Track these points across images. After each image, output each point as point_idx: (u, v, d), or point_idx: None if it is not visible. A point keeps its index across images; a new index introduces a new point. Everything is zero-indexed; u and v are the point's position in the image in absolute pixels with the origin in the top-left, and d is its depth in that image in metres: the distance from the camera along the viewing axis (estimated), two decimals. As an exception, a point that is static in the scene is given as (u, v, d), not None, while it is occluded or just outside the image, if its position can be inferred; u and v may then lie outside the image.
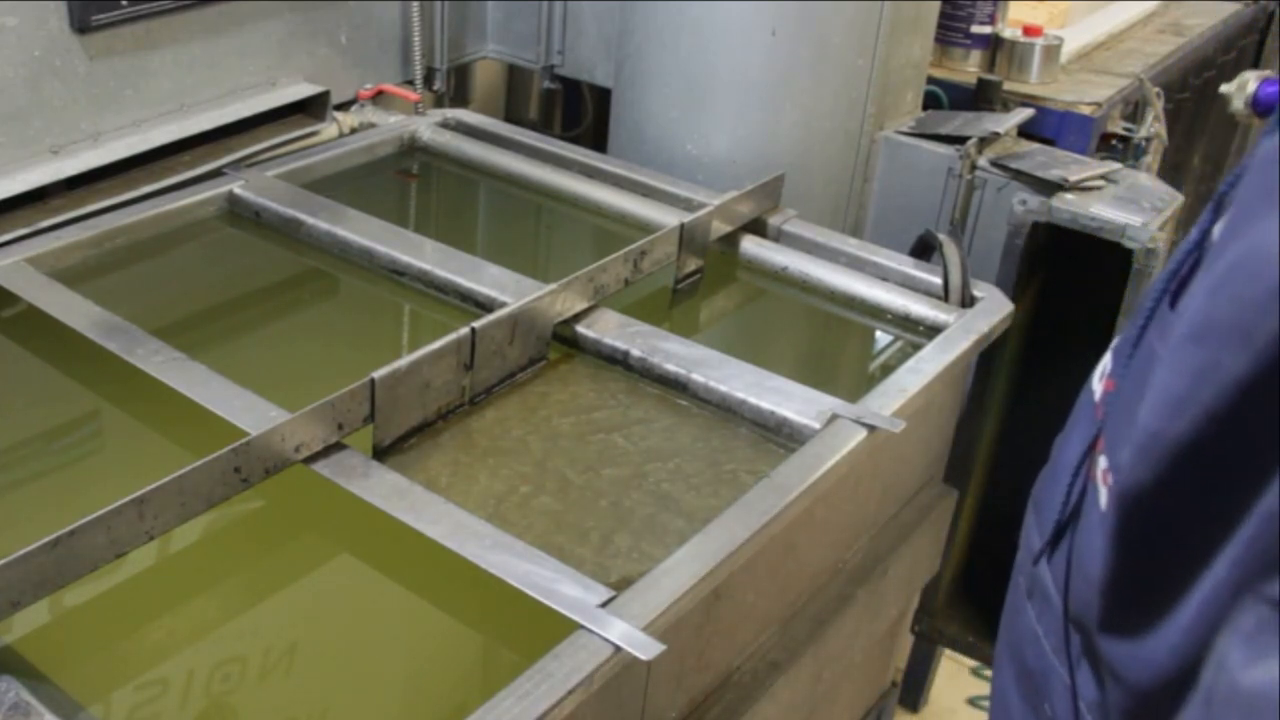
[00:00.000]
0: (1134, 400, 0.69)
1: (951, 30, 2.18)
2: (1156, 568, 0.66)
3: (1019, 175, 1.75)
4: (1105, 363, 0.80)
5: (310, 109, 1.85)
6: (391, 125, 1.90)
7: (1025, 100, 2.09)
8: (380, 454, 1.20)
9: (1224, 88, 2.21)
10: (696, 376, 1.33)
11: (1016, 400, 1.85)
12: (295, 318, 1.56)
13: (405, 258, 1.52)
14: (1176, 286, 0.71)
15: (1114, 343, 0.80)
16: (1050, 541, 0.80)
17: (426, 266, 1.50)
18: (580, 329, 1.40)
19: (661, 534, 1.14)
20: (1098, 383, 0.80)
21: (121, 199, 1.59)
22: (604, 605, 0.98)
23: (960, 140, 1.81)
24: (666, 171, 1.80)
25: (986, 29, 2.18)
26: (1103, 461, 0.73)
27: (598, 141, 2.12)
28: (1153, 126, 2.10)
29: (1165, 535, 0.65)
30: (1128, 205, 1.66)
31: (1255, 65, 3.03)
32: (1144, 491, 0.66)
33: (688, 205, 1.70)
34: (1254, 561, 0.59)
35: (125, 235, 1.53)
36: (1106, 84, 2.21)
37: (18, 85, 1.49)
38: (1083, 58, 2.35)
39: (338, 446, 1.16)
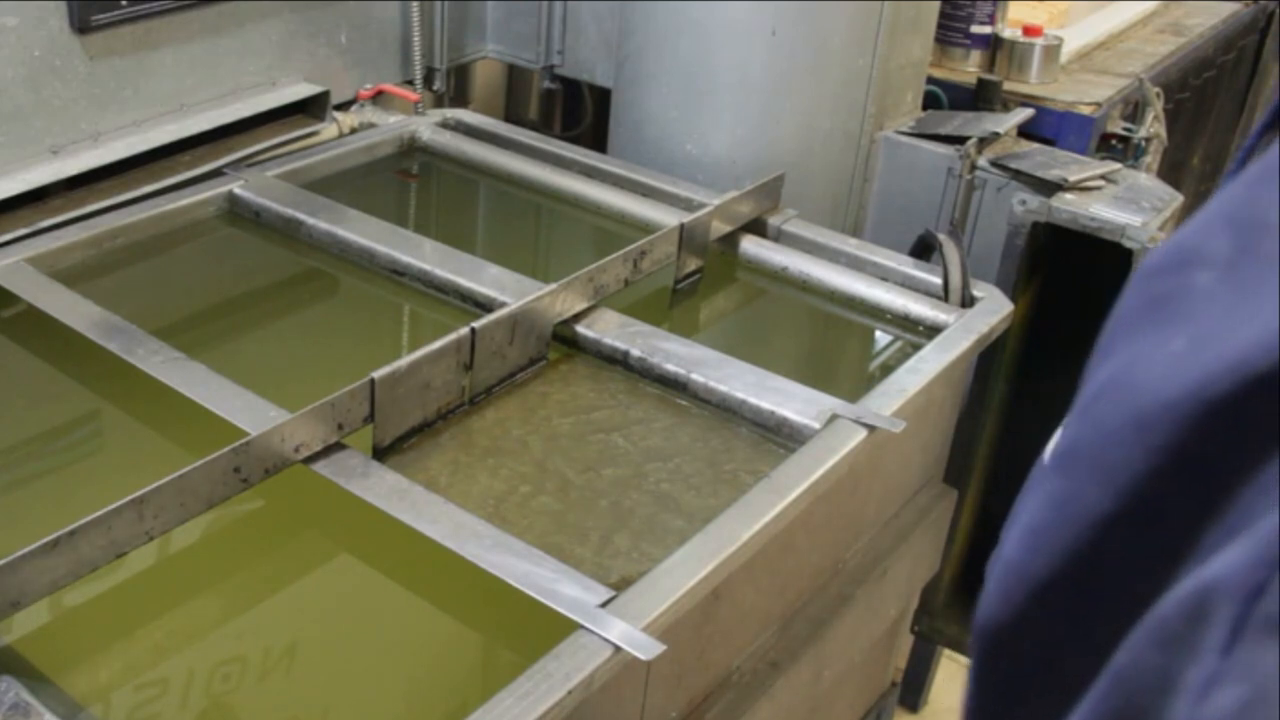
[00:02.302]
0: None
1: (951, 30, 2.18)
2: (1013, 716, 0.60)
3: (1019, 175, 1.75)
4: None
5: (310, 109, 1.85)
6: (391, 125, 1.90)
7: (1025, 100, 2.09)
8: (380, 454, 1.20)
9: None
10: (696, 376, 1.33)
11: (1016, 400, 1.85)
12: (295, 318, 1.56)
13: (405, 258, 1.52)
14: None
15: None
16: None
17: (426, 266, 1.50)
18: (580, 329, 1.40)
19: (661, 534, 1.14)
20: None
21: (121, 199, 1.59)
22: (604, 605, 0.98)
23: (960, 140, 1.81)
24: (666, 171, 1.80)
25: (986, 29, 2.18)
26: None
27: (598, 141, 2.11)
28: (1153, 126, 2.10)
29: (1023, 681, 0.59)
30: (1128, 205, 1.66)
31: (1255, 65, 3.03)
32: (1002, 628, 0.58)
33: (688, 205, 1.69)
34: None
35: (125, 235, 1.53)
36: (1106, 84, 2.21)
37: (18, 85, 1.49)
38: (1083, 58, 2.35)
39: (338, 446, 1.16)
